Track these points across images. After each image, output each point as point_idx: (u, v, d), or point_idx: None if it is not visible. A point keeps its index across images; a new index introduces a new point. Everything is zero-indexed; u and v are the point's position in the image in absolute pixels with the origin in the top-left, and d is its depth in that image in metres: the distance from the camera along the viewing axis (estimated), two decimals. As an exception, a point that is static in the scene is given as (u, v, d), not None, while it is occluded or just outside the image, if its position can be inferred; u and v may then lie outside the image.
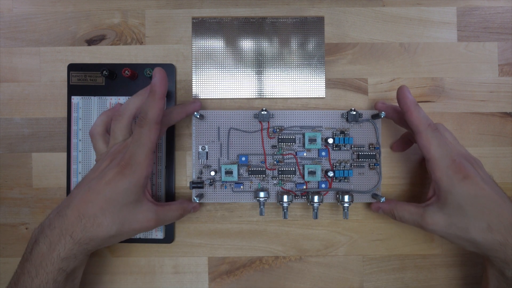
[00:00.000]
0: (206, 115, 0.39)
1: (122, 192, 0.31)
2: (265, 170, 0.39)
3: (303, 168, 0.39)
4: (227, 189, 0.40)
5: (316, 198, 0.38)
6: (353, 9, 0.42)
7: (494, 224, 0.31)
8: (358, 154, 0.39)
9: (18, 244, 0.41)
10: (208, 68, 0.42)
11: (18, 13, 0.42)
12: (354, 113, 0.39)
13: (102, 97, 0.40)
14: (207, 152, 0.39)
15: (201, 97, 0.42)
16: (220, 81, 0.42)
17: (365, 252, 0.42)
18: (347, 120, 0.39)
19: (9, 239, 0.42)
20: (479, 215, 0.31)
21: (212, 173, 0.39)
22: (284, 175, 0.39)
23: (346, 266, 0.42)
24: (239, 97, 0.42)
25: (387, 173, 0.42)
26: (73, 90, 0.41)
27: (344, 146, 0.39)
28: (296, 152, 0.40)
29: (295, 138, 0.39)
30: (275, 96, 0.42)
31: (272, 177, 0.40)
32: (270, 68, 0.42)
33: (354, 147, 0.40)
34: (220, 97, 0.42)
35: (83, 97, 0.40)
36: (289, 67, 0.42)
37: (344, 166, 0.40)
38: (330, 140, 0.39)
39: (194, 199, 0.38)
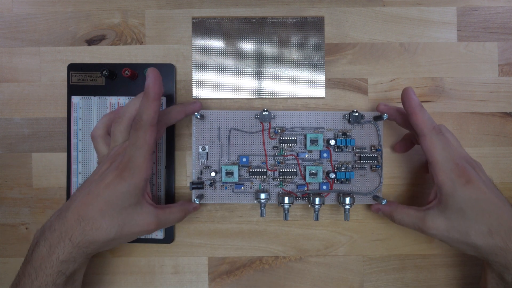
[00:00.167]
0: (207, 115, 0.39)
1: (121, 195, 0.31)
2: (266, 171, 0.39)
3: (305, 170, 0.39)
4: (228, 190, 0.40)
5: (317, 200, 0.37)
6: (353, 9, 0.42)
7: (494, 227, 0.31)
8: (360, 155, 0.39)
9: (18, 244, 0.42)
10: (208, 68, 0.42)
11: (18, 13, 0.42)
12: (356, 114, 0.39)
13: (102, 97, 0.40)
14: (207, 153, 0.39)
15: (201, 97, 0.42)
16: (220, 81, 0.42)
17: (365, 252, 0.42)
18: (349, 121, 0.39)
19: (9, 239, 0.42)
20: (480, 218, 0.32)
21: (213, 173, 0.39)
22: (285, 176, 0.39)
23: (346, 266, 0.42)
24: (239, 97, 0.42)
25: (388, 173, 0.42)
26: (73, 90, 0.41)
27: (346, 148, 0.39)
28: (297, 153, 0.39)
29: (296, 139, 0.39)
30: (275, 96, 0.42)
31: (273, 178, 0.40)
32: (270, 68, 0.42)
33: (355, 148, 0.40)
34: (220, 97, 0.42)
35: (83, 97, 0.40)
36: (289, 67, 0.42)
37: (346, 168, 0.39)
38: (332, 142, 0.39)
39: (194, 200, 0.38)
